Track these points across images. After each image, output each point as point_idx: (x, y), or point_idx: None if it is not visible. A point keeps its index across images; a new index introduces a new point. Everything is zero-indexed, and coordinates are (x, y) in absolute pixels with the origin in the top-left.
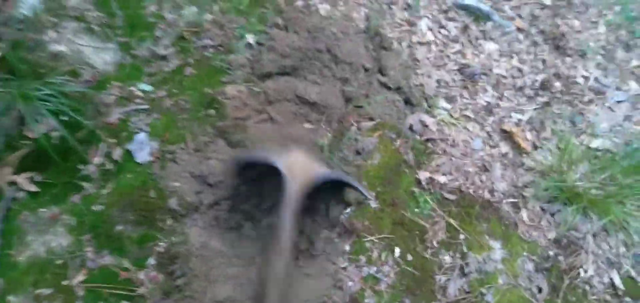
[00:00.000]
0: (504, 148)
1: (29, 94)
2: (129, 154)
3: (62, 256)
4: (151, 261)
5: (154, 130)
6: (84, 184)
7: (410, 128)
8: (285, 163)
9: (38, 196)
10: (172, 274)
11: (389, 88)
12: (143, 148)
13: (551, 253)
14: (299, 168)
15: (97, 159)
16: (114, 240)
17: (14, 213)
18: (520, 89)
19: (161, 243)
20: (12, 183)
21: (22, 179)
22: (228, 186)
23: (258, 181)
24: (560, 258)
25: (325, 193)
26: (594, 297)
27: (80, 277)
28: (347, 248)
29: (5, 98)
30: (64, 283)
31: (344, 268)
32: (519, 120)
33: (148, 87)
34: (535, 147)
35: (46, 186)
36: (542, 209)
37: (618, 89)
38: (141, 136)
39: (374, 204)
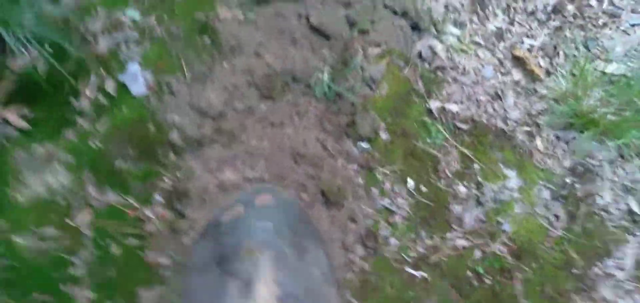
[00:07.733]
0: (516, 75)
1: (8, 21)
2: (122, 86)
3: (64, 195)
4: (158, 198)
5: (147, 60)
6: (78, 119)
7: (419, 55)
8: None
9: (30, 133)
10: (180, 212)
11: (395, 12)
12: (137, 80)
13: (567, 180)
14: None
15: (89, 92)
16: (115, 177)
17: (7, 150)
18: (532, 13)
19: (166, 179)
20: (1, 118)
21: (11, 114)
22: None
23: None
24: (577, 185)
25: None
26: (612, 224)
27: (86, 216)
28: (360, 181)
29: None
30: (69, 222)
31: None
32: (531, 46)
33: (136, 14)
34: (548, 73)
35: (38, 122)
36: (557, 137)
37: (633, 11)
38: (134, 67)
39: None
